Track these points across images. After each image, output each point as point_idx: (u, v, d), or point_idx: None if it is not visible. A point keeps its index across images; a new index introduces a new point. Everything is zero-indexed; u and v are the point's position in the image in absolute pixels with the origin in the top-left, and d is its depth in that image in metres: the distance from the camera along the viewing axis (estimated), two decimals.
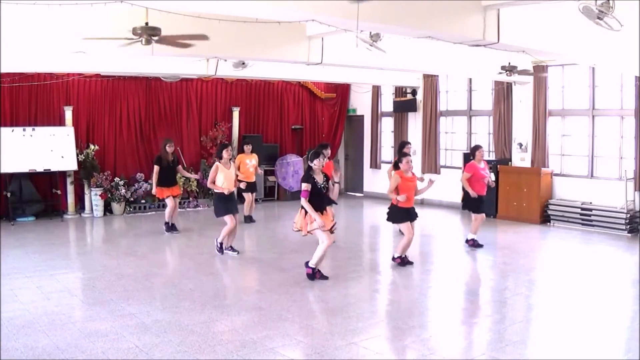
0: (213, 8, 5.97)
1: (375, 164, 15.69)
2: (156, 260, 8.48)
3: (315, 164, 7.12)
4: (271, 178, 14.86)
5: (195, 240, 10.11)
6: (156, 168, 10.22)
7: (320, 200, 7.14)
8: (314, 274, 7.29)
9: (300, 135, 15.92)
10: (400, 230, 8.35)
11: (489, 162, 12.50)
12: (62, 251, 9.25)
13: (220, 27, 6.70)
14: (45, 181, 12.11)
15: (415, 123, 14.58)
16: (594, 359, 4.96)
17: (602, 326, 5.83)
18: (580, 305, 6.57)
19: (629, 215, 10.43)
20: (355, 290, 7.29)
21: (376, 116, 15.64)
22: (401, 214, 7.98)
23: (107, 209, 12.48)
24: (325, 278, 7.33)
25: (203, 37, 6.34)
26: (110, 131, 12.89)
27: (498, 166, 12.29)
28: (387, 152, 15.61)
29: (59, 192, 12.13)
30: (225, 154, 8.62)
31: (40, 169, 11.66)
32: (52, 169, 11.80)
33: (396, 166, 8.16)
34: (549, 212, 11.59)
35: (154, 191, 10.50)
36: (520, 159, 12.38)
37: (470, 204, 9.40)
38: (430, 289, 7.51)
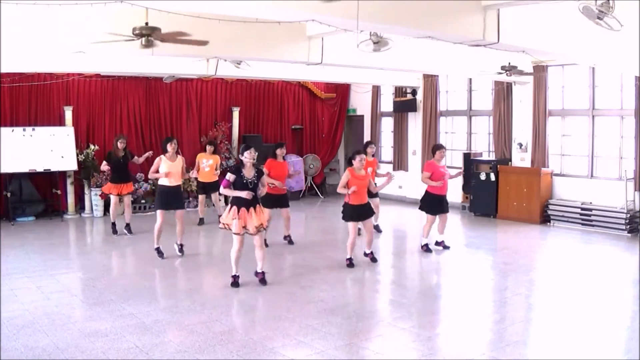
0: (213, 8, 5.97)
1: None
2: (156, 260, 8.47)
3: (246, 156, 6.91)
4: None
5: (195, 240, 10.10)
6: (104, 163, 10.19)
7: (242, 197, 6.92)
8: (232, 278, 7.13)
9: (300, 135, 15.92)
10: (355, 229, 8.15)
11: (489, 162, 12.56)
12: (62, 251, 9.25)
13: (220, 27, 6.70)
14: (45, 181, 12.11)
15: (415, 123, 14.58)
16: (594, 359, 4.96)
17: (602, 326, 5.83)
18: (580, 305, 6.57)
19: (629, 215, 10.42)
20: (355, 290, 7.29)
21: (376, 116, 15.63)
22: (350, 212, 7.90)
23: (107, 209, 12.44)
24: (237, 285, 7.05)
25: (203, 43, 6.34)
26: (110, 131, 12.87)
27: (498, 166, 12.30)
28: (387, 152, 15.62)
29: (59, 192, 12.13)
30: (169, 147, 8.53)
31: (40, 169, 11.66)
32: (52, 169, 11.80)
33: (350, 162, 8.04)
34: (549, 212, 11.59)
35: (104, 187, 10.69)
36: (520, 159, 12.37)
37: (427, 206, 9.05)
38: (430, 289, 7.52)
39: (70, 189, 12.27)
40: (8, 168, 11.25)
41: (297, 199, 15.14)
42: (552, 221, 11.54)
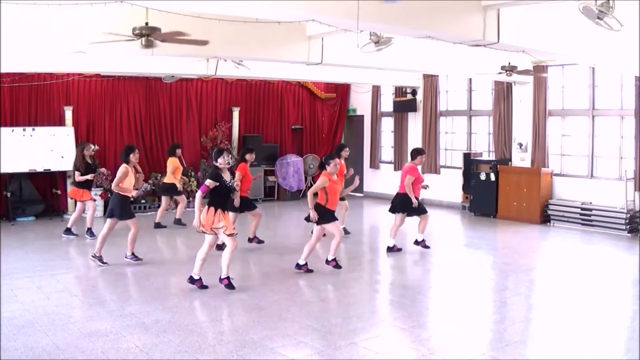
0: (213, 8, 5.97)
1: (375, 164, 15.71)
2: (156, 260, 8.47)
3: (221, 162, 6.80)
4: (271, 178, 14.87)
5: (195, 240, 10.08)
6: (77, 174, 9.87)
7: (225, 199, 6.90)
8: (222, 280, 6.96)
9: (300, 135, 15.93)
10: (312, 231, 7.89)
11: (489, 162, 12.57)
12: (62, 251, 9.25)
13: (220, 27, 6.71)
14: (45, 181, 12.11)
15: (415, 123, 14.59)
16: (594, 359, 4.96)
17: (602, 326, 5.83)
18: (580, 305, 6.57)
19: (629, 215, 10.42)
20: (355, 290, 7.29)
21: (376, 116, 15.64)
22: (329, 214, 7.60)
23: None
24: (232, 288, 6.90)
25: (203, 42, 6.35)
26: (111, 131, 12.90)
27: (498, 166, 12.30)
28: (387, 152, 15.62)
29: (59, 192, 12.13)
30: (133, 157, 8.19)
31: (40, 169, 11.66)
32: (52, 169, 11.80)
33: (323, 167, 7.71)
34: (549, 212, 11.59)
35: (69, 191, 10.37)
36: (520, 159, 12.37)
37: (418, 208, 8.89)
38: (430, 289, 7.51)
39: (70, 189, 12.25)
40: (8, 168, 11.25)
41: (297, 198, 15.15)
42: (552, 221, 11.54)
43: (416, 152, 9.03)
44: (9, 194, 11.42)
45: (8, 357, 4.86)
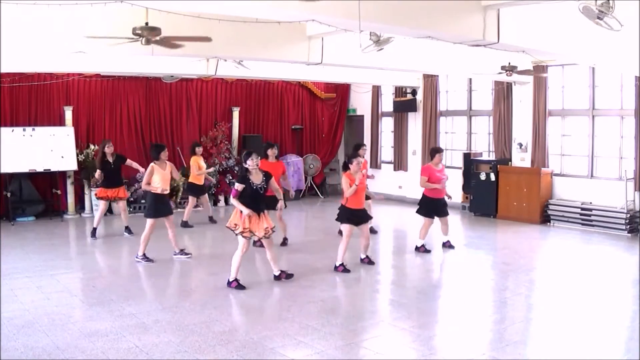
0: (213, 8, 5.97)
1: (375, 164, 15.69)
2: (156, 260, 8.47)
3: (249, 164, 6.91)
4: None
5: (195, 240, 10.10)
6: (98, 172, 9.90)
7: (255, 201, 6.91)
8: (231, 283, 7.01)
9: (300, 135, 15.93)
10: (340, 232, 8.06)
11: (489, 162, 12.56)
12: (62, 251, 9.25)
13: (220, 27, 6.70)
14: (45, 181, 12.11)
15: (415, 123, 14.59)
16: (594, 359, 4.96)
17: (602, 326, 5.83)
18: (580, 305, 6.57)
19: (629, 215, 10.42)
20: (355, 290, 7.29)
21: (376, 116, 15.64)
22: (346, 215, 7.77)
23: (107, 209, 12.44)
24: (243, 288, 6.98)
25: (206, 39, 6.34)
26: (111, 131, 12.88)
27: (498, 166, 12.30)
28: (387, 152, 15.61)
29: (59, 192, 12.13)
30: (163, 155, 8.37)
31: (40, 169, 11.67)
32: (52, 169, 11.80)
33: (346, 167, 7.92)
34: (549, 212, 11.58)
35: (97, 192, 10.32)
36: (520, 159, 12.37)
37: (423, 209, 9.06)
38: (430, 289, 7.51)
39: (70, 189, 12.28)
40: (8, 168, 11.25)
41: (297, 198, 15.14)
42: (552, 221, 11.54)
43: (434, 151, 9.15)
44: (9, 194, 11.43)
45: (8, 357, 4.86)
